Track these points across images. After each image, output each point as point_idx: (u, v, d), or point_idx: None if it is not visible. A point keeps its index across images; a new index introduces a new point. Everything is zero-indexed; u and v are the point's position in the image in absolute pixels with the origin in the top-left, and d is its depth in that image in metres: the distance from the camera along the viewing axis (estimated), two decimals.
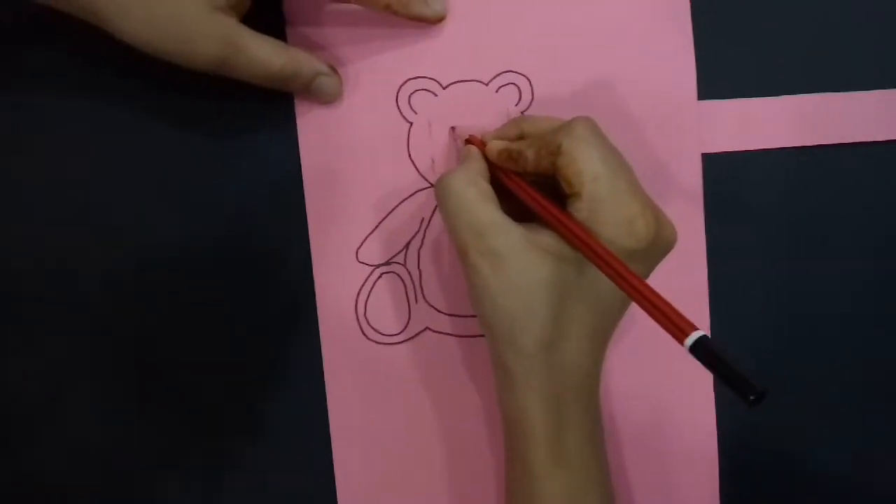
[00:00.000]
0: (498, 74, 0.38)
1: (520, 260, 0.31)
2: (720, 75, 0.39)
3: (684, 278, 0.39)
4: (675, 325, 0.26)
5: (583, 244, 0.30)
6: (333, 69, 0.36)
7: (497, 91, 0.38)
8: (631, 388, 0.40)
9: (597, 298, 0.32)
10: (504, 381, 0.33)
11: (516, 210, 0.33)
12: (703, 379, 0.40)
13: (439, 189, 0.33)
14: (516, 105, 0.38)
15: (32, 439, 0.37)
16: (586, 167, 0.31)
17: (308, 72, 0.35)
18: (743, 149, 0.39)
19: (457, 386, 0.39)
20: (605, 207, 0.31)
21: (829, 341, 0.41)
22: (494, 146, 0.35)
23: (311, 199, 0.38)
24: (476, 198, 0.32)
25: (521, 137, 0.35)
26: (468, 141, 0.37)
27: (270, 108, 0.37)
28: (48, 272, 0.37)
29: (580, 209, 0.31)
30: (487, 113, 0.38)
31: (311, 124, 0.37)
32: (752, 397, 0.23)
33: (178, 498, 0.38)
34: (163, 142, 0.37)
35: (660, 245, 0.32)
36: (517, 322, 0.32)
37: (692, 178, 0.39)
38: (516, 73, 0.38)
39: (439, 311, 0.39)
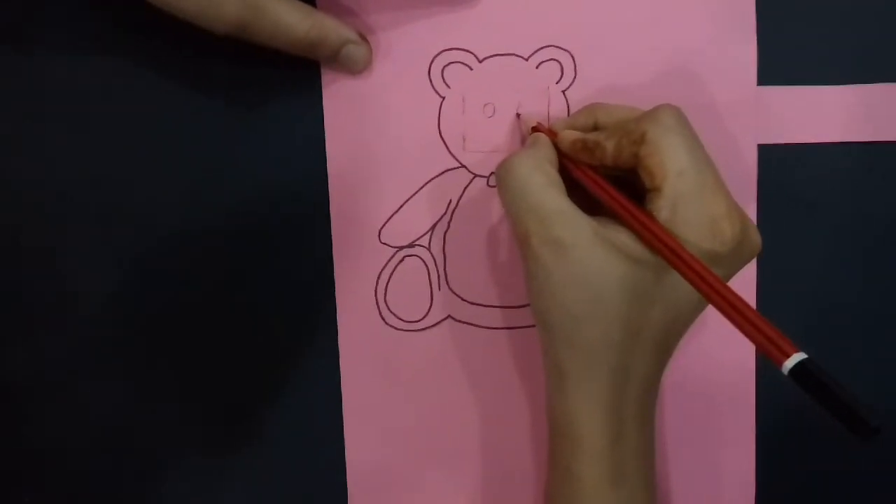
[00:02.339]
0: (539, 49, 0.35)
1: (589, 254, 0.29)
2: (783, 59, 0.36)
3: None
4: (775, 344, 0.23)
5: (667, 250, 0.28)
6: (363, 37, 0.34)
7: (537, 67, 0.35)
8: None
9: (672, 305, 0.30)
10: (556, 382, 0.31)
11: (585, 207, 0.31)
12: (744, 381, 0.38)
13: (501, 171, 0.31)
14: (557, 83, 0.36)
15: (38, 426, 0.37)
16: (671, 159, 0.29)
17: (335, 39, 0.33)
18: (803, 141, 0.37)
19: (476, 379, 0.37)
20: (688, 205, 0.29)
21: (888, 344, 0.38)
22: (568, 136, 0.32)
23: (334, 175, 0.36)
24: (543, 183, 0.30)
25: (595, 128, 0.33)
26: (535, 129, 0.34)
27: (295, 76, 0.35)
28: (59, 252, 0.36)
29: (661, 208, 0.29)
30: (526, 90, 0.36)
31: (338, 95, 0.35)
32: (865, 435, 0.20)
33: (188, 480, 0.38)
34: (180, 110, 0.35)
35: (744, 250, 0.30)
36: (580, 319, 0.29)
37: (747, 169, 0.36)
38: (559, 48, 0.35)
39: (463, 300, 0.37)
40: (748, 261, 0.31)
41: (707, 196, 0.29)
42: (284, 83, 0.35)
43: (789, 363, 0.22)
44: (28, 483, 0.37)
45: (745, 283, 0.37)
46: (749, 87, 0.36)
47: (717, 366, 0.38)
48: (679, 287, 0.29)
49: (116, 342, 0.37)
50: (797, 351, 0.23)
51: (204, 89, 0.35)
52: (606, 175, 0.31)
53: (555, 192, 0.30)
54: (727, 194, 0.30)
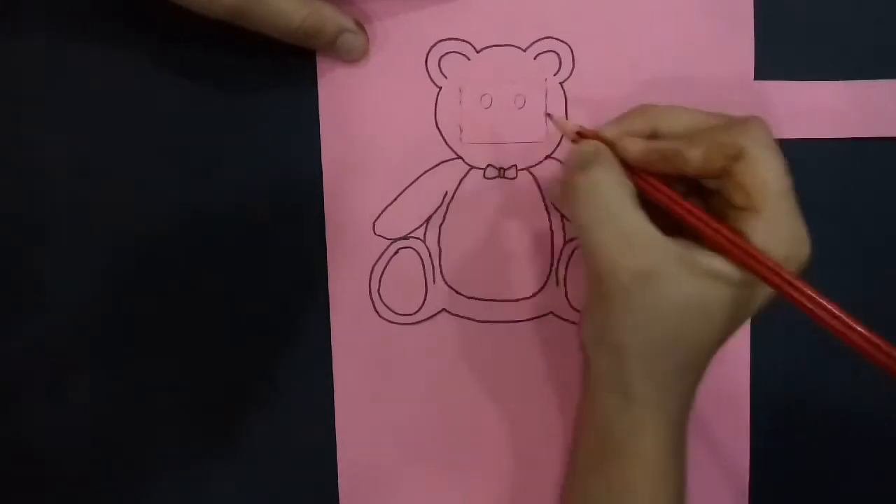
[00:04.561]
0: (537, 40, 0.35)
1: (681, 286, 0.28)
2: (780, 54, 0.36)
3: None
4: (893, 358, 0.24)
5: (762, 267, 0.27)
6: (360, 26, 0.34)
7: (535, 58, 0.35)
8: None
9: (747, 317, 0.30)
10: (614, 402, 0.30)
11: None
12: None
13: (583, 188, 0.29)
14: (555, 75, 0.35)
15: (27, 423, 0.36)
16: (774, 180, 0.28)
17: (332, 28, 0.33)
18: (799, 136, 0.36)
19: (471, 373, 0.37)
20: (784, 226, 0.28)
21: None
22: (635, 144, 0.30)
23: (329, 165, 0.35)
24: (630, 204, 0.28)
25: (653, 135, 0.31)
26: (580, 134, 0.32)
27: (290, 65, 0.35)
28: (52, 247, 0.35)
29: (757, 228, 0.28)
30: (523, 81, 0.35)
31: (333, 84, 0.35)
32: None
33: (179, 476, 0.37)
34: (174, 99, 0.35)
35: (805, 266, 0.29)
36: (664, 350, 0.29)
37: None
38: (557, 39, 0.35)
39: (458, 293, 0.36)
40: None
41: (797, 217, 0.29)
42: (279, 72, 0.35)
43: None
44: (17, 481, 0.37)
45: None
46: (746, 81, 0.36)
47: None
48: (758, 304, 0.29)
49: (109, 336, 0.36)
50: None
51: (198, 78, 0.35)
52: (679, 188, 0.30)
53: (642, 216, 0.28)
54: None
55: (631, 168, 0.30)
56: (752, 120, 0.29)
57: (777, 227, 0.28)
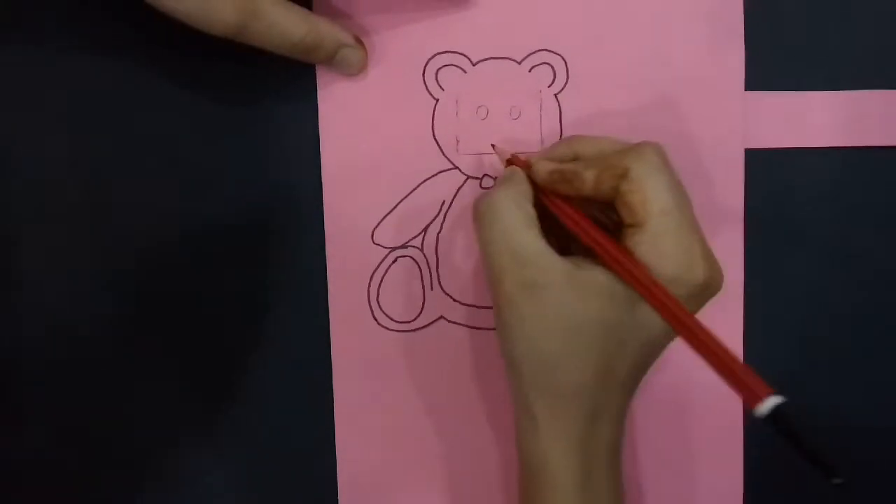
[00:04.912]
0: (532, 53, 0.36)
1: (564, 297, 0.29)
2: (771, 65, 0.36)
3: None
4: (748, 386, 0.23)
5: (640, 285, 0.28)
6: (359, 41, 0.35)
7: (530, 70, 0.36)
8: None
9: (644, 338, 0.30)
10: (526, 424, 0.31)
11: (554, 240, 0.31)
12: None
13: (483, 209, 0.31)
14: (549, 86, 0.36)
15: (26, 411, 0.37)
16: (655, 198, 0.29)
17: (331, 43, 0.34)
18: (790, 146, 0.37)
19: (468, 380, 0.37)
20: (668, 245, 0.29)
21: (876, 344, 0.39)
22: (544, 166, 0.32)
23: (328, 175, 0.36)
24: (522, 223, 0.30)
25: (574, 160, 0.33)
26: (510, 161, 0.34)
27: (291, 78, 0.35)
28: (53, 250, 0.36)
29: (640, 243, 0.29)
30: (518, 93, 0.36)
31: (333, 97, 0.36)
32: (837, 481, 0.21)
33: (176, 481, 0.37)
34: (176, 111, 0.36)
35: (709, 290, 0.30)
36: (554, 364, 0.29)
37: (734, 173, 0.37)
38: (551, 52, 0.36)
39: (455, 301, 0.37)
40: (709, 300, 0.31)
41: (687, 236, 0.29)
42: (280, 85, 0.36)
43: (763, 408, 0.22)
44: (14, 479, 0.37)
45: (732, 287, 0.37)
46: (737, 91, 0.36)
47: (703, 383, 0.38)
48: (649, 324, 0.29)
49: (109, 341, 0.36)
50: (772, 393, 0.22)
51: (200, 91, 0.35)
52: (580, 206, 0.31)
53: (533, 234, 0.30)
54: (701, 234, 0.30)
55: (542, 190, 0.32)
56: (645, 144, 0.30)
57: (660, 245, 0.29)
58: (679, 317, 0.27)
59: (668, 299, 0.28)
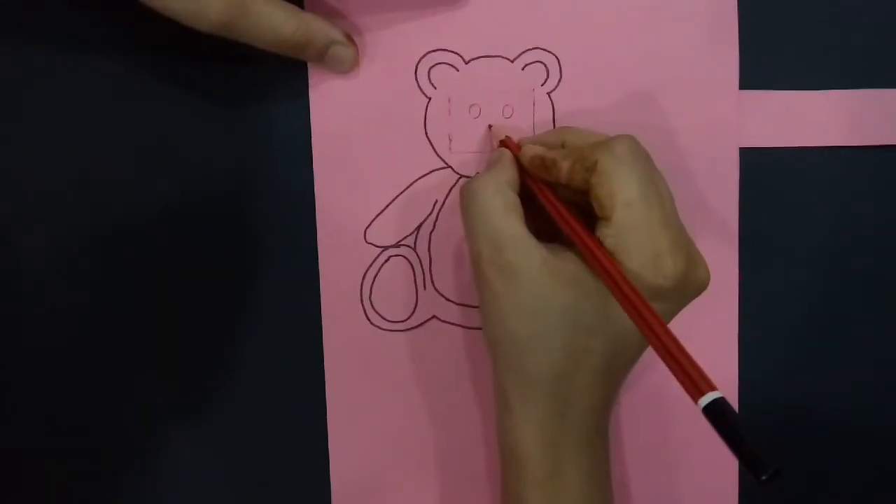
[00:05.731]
0: (525, 51, 0.36)
1: (537, 282, 0.29)
2: (765, 64, 0.36)
3: (714, 272, 0.36)
4: (692, 380, 0.24)
5: (606, 275, 0.28)
6: (350, 38, 0.34)
7: (523, 69, 0.36)
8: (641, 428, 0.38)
9: (617, 334, 0.30)
10: (502, 407, 0.32)
11: (541, 226, 0.31)
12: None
13: (465, 194, 0.32)
14: (542, 85, 0.36)
15: (19, 410, 0.37)
16: (620, 191, 0.29)
17: (322, 40, 0.33)
18: (785, 145, 0.37)
19: (460, 379, 0.37)
20: (633, 238, 0.29)
21: (872, 344, 0.38)
22: (529, 150, 0.32)
23: (321, 174, 0.36)
24: (502, 208, 0.31)
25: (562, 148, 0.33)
26: (503, 143, 0.35)
27: (282, 76, 0.35)
28: (46, 247, 0.36)
29: (607, 235, 0.29)
30: (511, 91, 0.36)
31: (324, 95, 0.36)
32: (763, 477, 0.21)
33: (169, 482, 0.37)
34: (166, 108, 0.35)
35: (689, 286, 0.30)
36: (524, 347, 0.30)
37: (728, 172, 0.37)
38: (544, 50, 0.36)
39: (448, 300, 0.37)
40: (694, 297, 0.31)
41: (653, 230, 0.29)
42: (271, 83, 0.35)
43: (704, 400, 0.23)
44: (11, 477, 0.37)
45: (726, 286, 0.37)
46: (731, 91, 0.36)
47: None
48: (623, 319, 0.28)
49: (100, 337, 0.36)
50: (714, 389, 0.23)
51: (191, 88, 0.35)
52: (570, 198, 0.31)
53: (512, 218, 0.30)
54: (675, 230, 0.30)
55: (529, 175, 0.33)
56: (617, 137, 0.30)
57: (625, 237, 0.29)
58: (639, 309, 0.27)
59: (631, 291, 0.27)
